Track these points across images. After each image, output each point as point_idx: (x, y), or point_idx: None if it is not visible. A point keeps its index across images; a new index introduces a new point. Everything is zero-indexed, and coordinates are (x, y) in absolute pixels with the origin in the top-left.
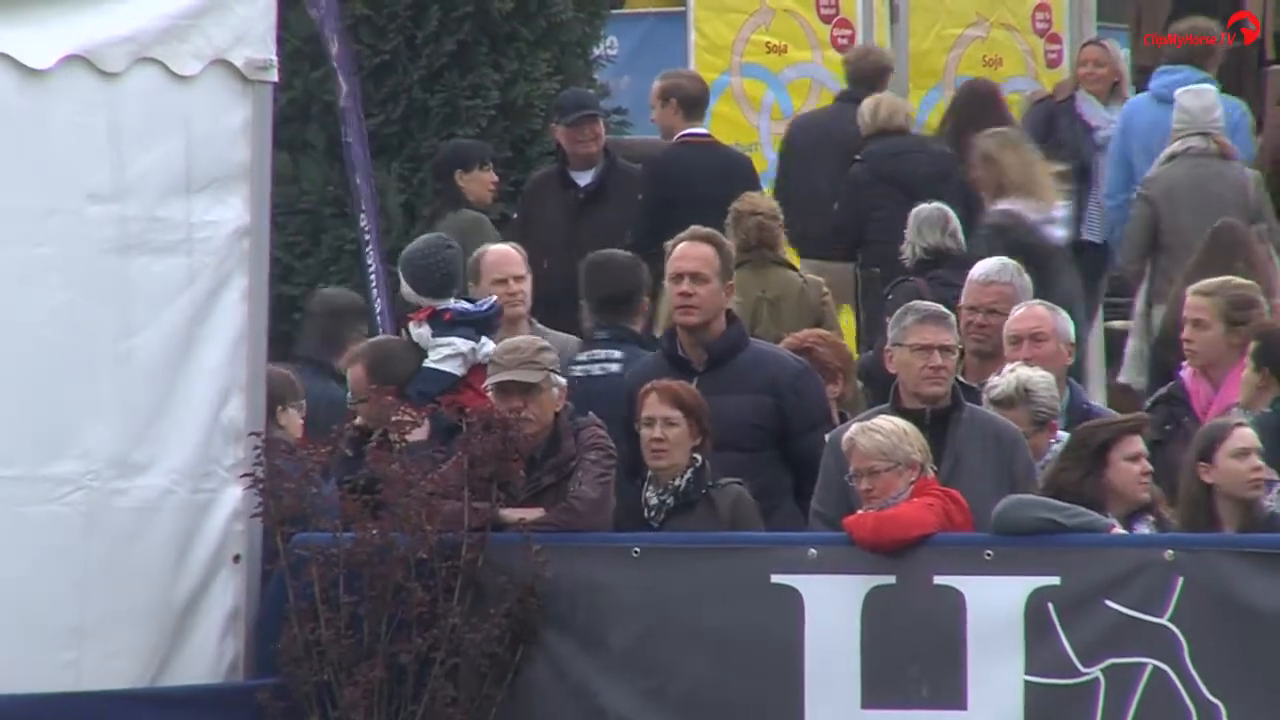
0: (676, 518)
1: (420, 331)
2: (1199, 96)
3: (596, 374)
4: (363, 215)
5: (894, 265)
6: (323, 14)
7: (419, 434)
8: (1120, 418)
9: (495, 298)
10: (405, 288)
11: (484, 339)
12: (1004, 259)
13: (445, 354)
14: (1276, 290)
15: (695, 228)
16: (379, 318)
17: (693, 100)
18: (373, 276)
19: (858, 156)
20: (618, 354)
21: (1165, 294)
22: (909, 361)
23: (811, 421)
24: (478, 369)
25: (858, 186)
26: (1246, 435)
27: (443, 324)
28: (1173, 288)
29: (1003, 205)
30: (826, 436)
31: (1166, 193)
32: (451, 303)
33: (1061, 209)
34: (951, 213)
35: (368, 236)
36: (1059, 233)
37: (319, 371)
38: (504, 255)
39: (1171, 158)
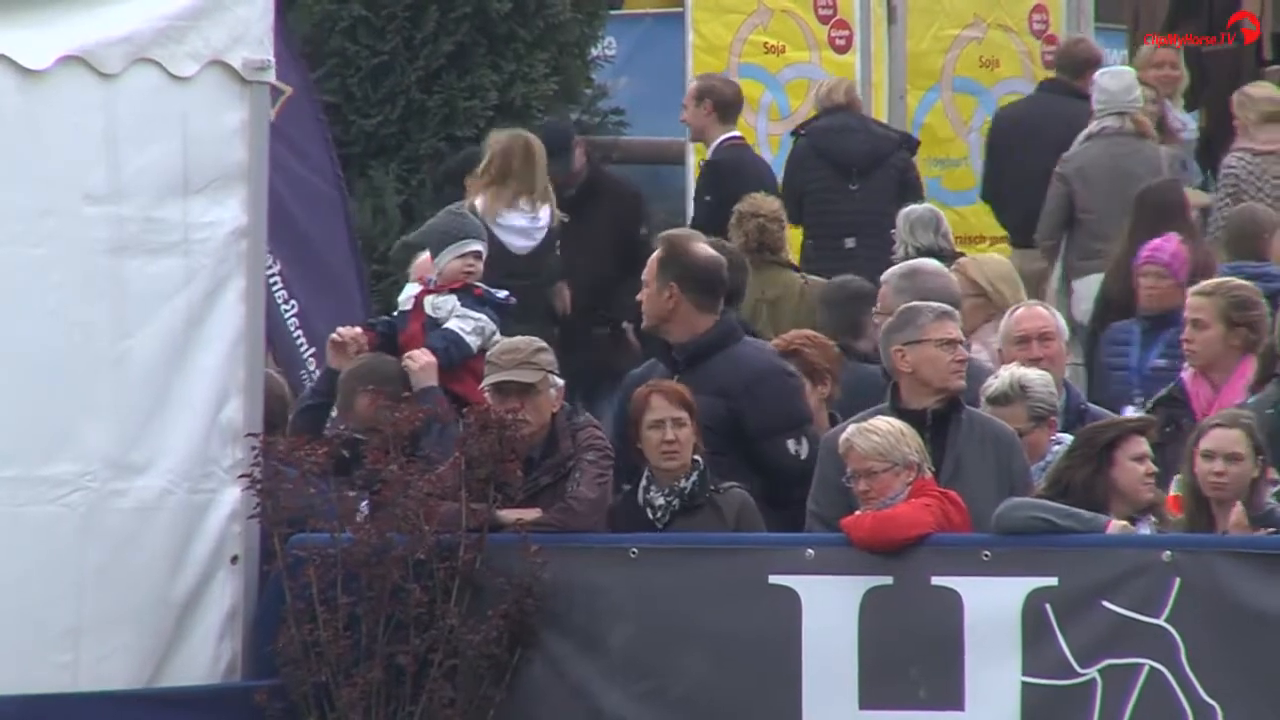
0: (681, 520)
1: (441, 300)
2: (1117, 78)
3: None
4: None
5: (827, 239)
6: None
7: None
8: (1125, 418)
9: (507, 291)
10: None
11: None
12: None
13: (474, 326)
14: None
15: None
16: (293, 320)
17: (727, 104)
18: (276, 278)
19: (801, 130)
20: None
21: (1079, 269)
22: (935, 356)
23: (770, 427)
24: (480, 356)
25: (794, 160)
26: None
27: (473, 298)
28: (1111, 250)
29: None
30: (790, 442)
31: (1080, 170)
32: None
33: (540, 221)
34: (941, 214)
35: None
36: (520, 241)
37: (845, 354)
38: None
39: (1089, 137)
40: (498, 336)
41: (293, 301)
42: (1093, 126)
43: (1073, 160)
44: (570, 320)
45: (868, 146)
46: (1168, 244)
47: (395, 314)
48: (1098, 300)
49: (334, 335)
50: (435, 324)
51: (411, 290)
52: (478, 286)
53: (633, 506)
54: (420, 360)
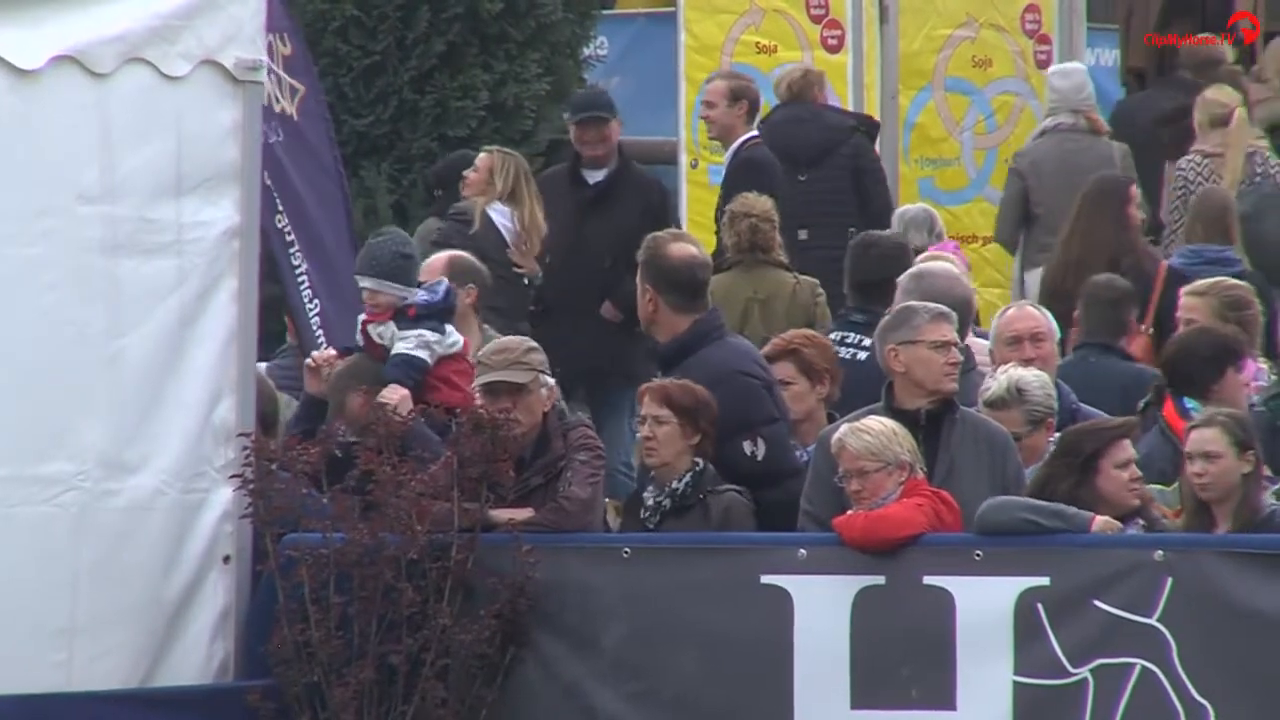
0: (670, 520)
1: (381, 328)
2: (1067, 76)
3: (844, 358)
4: (280, 215)
5: (784, 232)
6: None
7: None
8: (1108, 423)
9: (446, 282)
10: (388, 285)
11: (448, 327)
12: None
13: (417, 341)
14: (1140, 249)
15: None
16: (315, 319)
17: (757, 104)
18: (303, 278)
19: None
20: (868, 341)
21: (1032, 263)
22: (928, 358)
23: (723, 429)
24: (445, 360)
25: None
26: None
27: (407, 320)
28: (1058, 240)
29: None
30: (746, 444)
31: (1035, 166)
32: (417, 295)
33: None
34: (935, 214)
35: (290, 237)
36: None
37: (1106, 351)
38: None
39: (1043, 133)
40: (454, 336)
41: (316, 301)
42: (1047, 123)
43: (1026, 155)
44: (584, 311)
45: (815, 137)
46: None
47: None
48: (1041, 291)
49: (308, 361)
50: (384, 349)
51: (359, 321)
52: (410, 306)
53: (635, 505)
54: (393, 399)
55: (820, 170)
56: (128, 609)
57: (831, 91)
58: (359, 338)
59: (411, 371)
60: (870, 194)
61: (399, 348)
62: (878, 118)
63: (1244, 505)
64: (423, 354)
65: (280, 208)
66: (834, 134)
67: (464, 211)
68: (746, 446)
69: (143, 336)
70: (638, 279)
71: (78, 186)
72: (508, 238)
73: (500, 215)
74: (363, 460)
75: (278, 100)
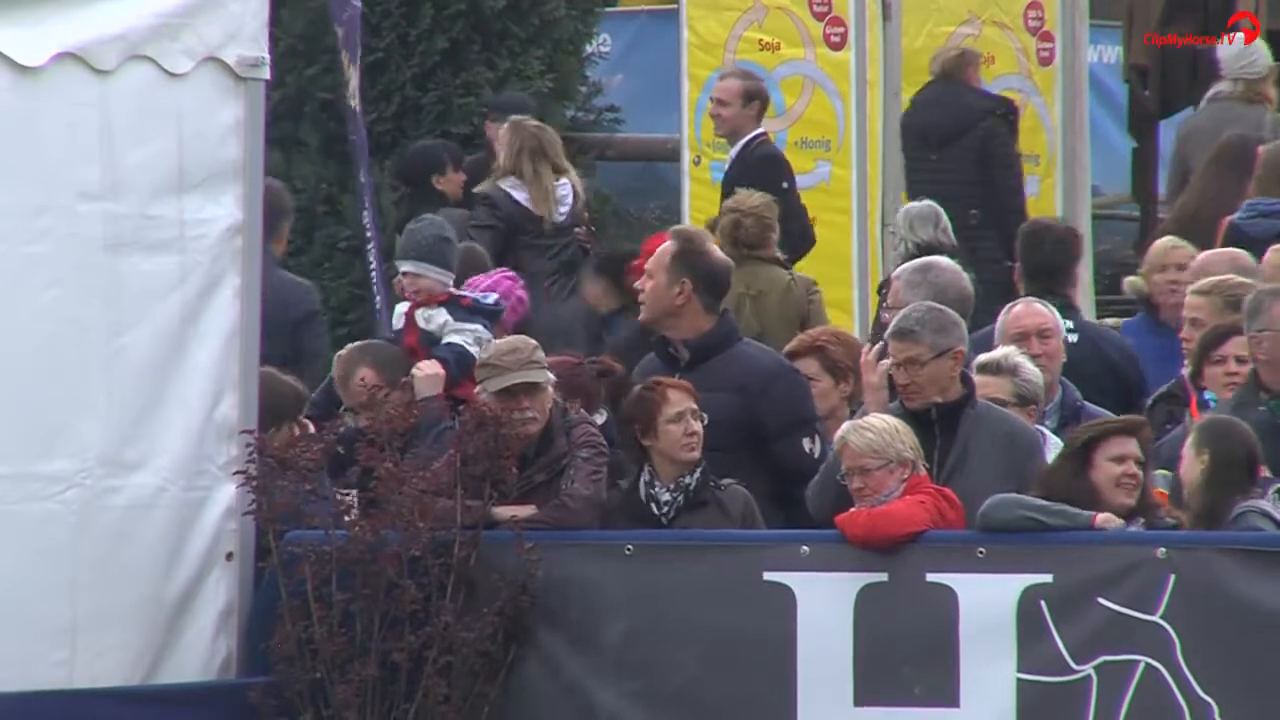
0: (686, 516)
1: (431, 313)
2: (1233, 45)
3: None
4: (365, 212)
5: None
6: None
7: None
8: (1114, 419)
9: (498, 294)
10: (430, 269)
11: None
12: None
13: (473, 337)
14: None
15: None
16: (378, 314)
17: (767, 105)
18: (374, 274)
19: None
20: (1070, 323)
21: None
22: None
23: (784, 426)
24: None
25: (901, 131)
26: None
27: (462, 309)
28: (1188, 187)
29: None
30: (805, 441)
31: (1188, 135)
32: (464, 290)
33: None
34: (940, 209)
35: (369, 234)
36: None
37: None
38: None
39: (1207, 101)
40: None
41: (379, 297)
42: (1210, 91)
43: (1186, 124)
44: None
45: (946, 119)
46: (504, 280)
47: (392, 333)
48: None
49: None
50: (429, 336)
51: (402, 309)
52: (465, 297)
53: (634, 503)
54: (426, 369)
55: (949, 151)
56: (130, 607)
57: (834, 89)
58: (399, 321)
59: (461, 364)
60: (995, 181)
61: (455, 338)
62: (879, 115)
63: (1200, 506)
64: (476, 351)
65: (366, 205)
66: (967, 116)
67: (487, 195)
68: (806, 444)
69: (144, 334)
70: (660, 269)
71: (79, 184)
72: (532, 209)
73: (514, 189)
74: (364, 457)
75: (354, 96)
